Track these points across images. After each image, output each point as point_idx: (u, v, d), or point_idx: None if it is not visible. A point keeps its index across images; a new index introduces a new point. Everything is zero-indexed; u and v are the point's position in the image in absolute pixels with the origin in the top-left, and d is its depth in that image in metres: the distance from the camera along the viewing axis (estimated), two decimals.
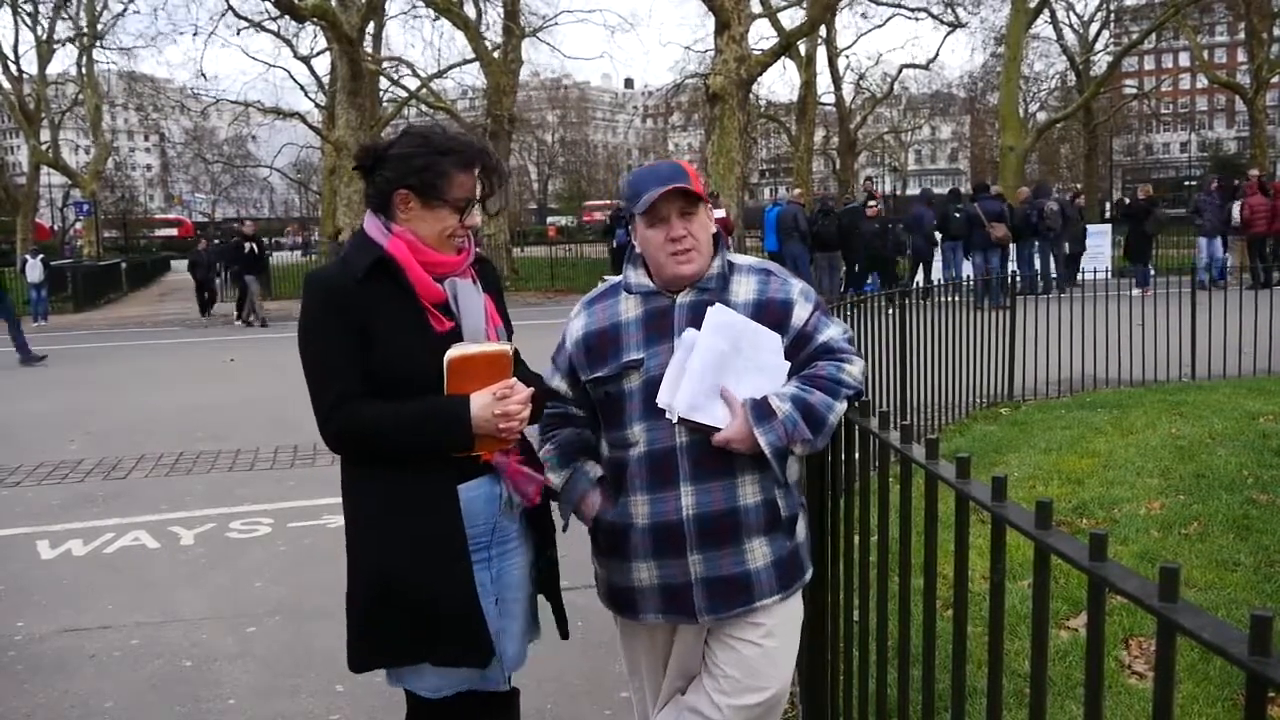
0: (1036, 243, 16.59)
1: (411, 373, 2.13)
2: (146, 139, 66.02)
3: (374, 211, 2.20)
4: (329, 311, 2.13)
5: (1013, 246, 16.22)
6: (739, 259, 2.38)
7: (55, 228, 48.56)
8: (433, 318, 2.16)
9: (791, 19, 28.34)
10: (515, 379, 2.19)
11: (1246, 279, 11.11)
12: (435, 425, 2.11)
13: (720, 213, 15.83)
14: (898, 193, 41.28)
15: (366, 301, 2.11)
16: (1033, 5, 28.07)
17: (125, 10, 34.46)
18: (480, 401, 2.11)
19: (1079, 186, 32.35)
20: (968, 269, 15.74)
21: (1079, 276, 15.12)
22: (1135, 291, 10.15)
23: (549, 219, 56.09)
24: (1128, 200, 19.49)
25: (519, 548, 2.30)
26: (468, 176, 2.17)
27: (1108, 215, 29.36)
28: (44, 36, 32.51)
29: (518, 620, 2.31)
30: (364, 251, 2.16)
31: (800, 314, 2.29)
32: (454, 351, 2.13)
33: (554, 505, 2.37)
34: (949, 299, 7.33)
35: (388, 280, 2.13)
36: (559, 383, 2.39)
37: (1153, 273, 15.14)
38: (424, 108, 30.49)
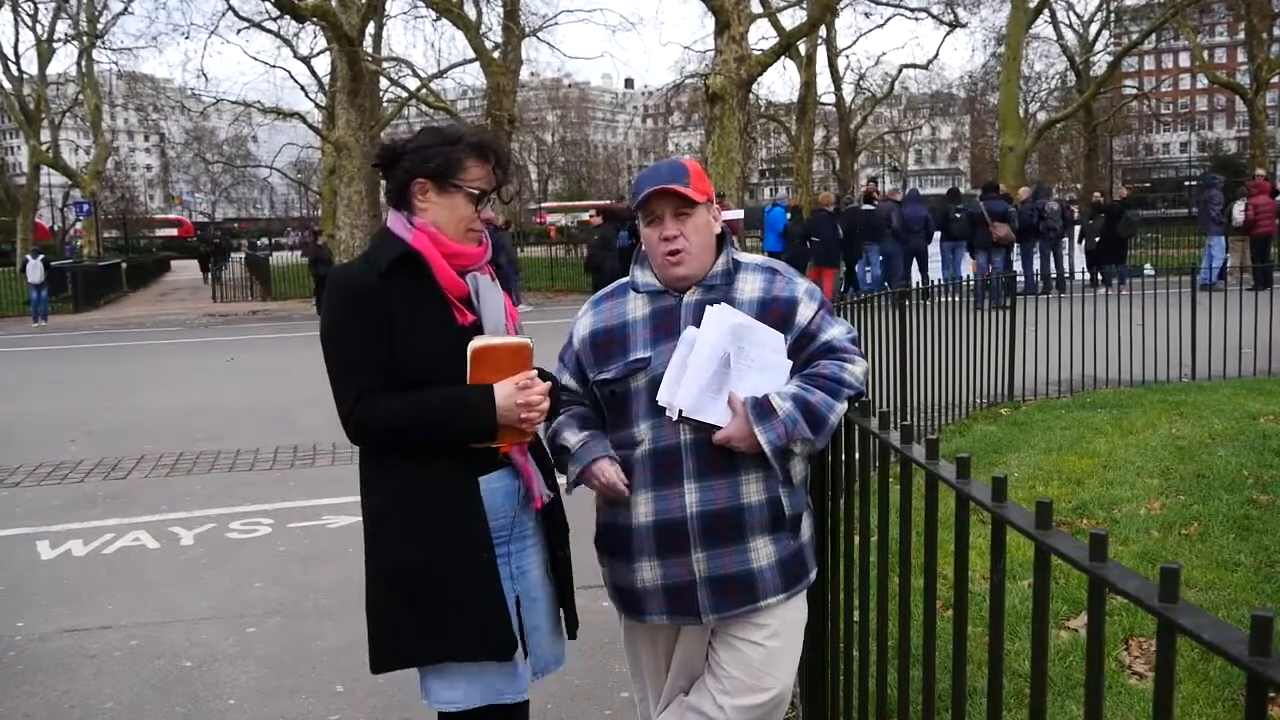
0: (1038, 243, 16.59)
1: (435, 365, 2.15)
2: (146, 139, 66.04)
3: (395, 208, 2.24)
4: (354, 307, 2.15)
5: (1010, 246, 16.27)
6: (745, 257, 2.38)
7: (55, 228, 48.56)
8: (456, 311, 2.19)
9: (791, 19, 28.35)
10: (535, 370, 2.22)
11: (1247, 279, 11.10)
12: (461, 413, 2.13)
13: (739, 213, 15.84)
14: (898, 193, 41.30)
15: (391, 296, 2.14)
16: (1033, 5, 28.08)
17: (125, 10, 34.52)
18: (504, 391, 2.14)
19: (1079, 186, 32.34)
20: (966, 269, 15.74)
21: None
22: (1102, 290, 10.27)
23: (549, 219, 56.33)
24: (1101, 199, 19.47)
25: (536, 545, 2.31)
26: (481, 166, 2.21)
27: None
28: (44, 36, 32.55)
29: (545, 618, 2.31)
30: (389, 247, 2.19)
31: (805, 312, 2.30)
32: (478, 342, 2.16)
33: (563, 489, 2.37)
34: (949, 299, 7.33)
35: (412, 275, 2.16)
36: (567, 380, 2.41)
37: (1153, 272, 15.25)
38: (424, 108, 30.50)
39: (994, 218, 15.70)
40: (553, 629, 2.33)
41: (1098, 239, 17.47)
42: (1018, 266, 15.92)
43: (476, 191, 2.21)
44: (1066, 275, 15.57)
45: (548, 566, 2.32)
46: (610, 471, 2.26)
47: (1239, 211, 16.58)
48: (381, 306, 2.13)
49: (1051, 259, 16.61)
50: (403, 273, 2.16)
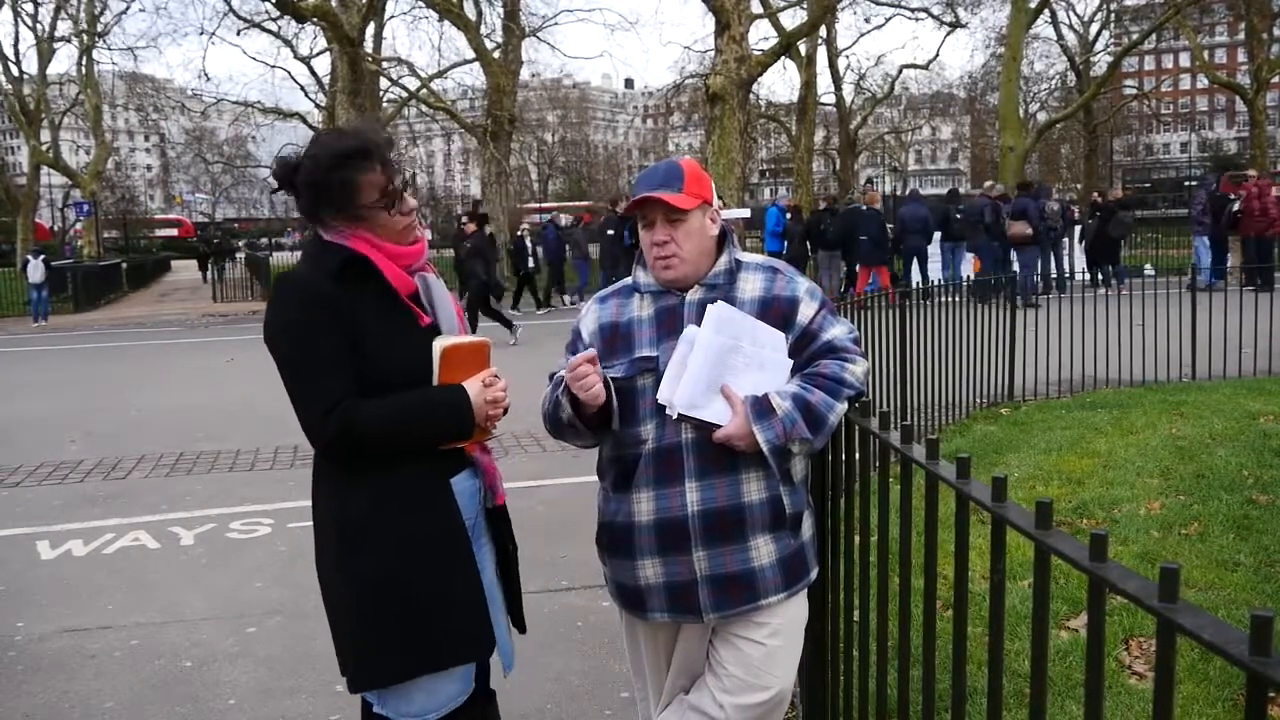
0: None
1: (403, 369, 2.12)
2: (146, 139, 66.10)
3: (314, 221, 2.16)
4: (313, 312, 2.07)
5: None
6: (746, 256, 2.38)
7: (55, 228, 48.53)
8: (416, 312, 2.17)
9: (792, 19, 28.35)
10: (495, 368, 2.23)
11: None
12: (445, 414, 2.12)
13: (745, 212, 15.83)
14: (898, 193, 41.26)
15: (349, 302, 2.08)
16: (1033, 5, 28.06)
17: (126, 10, 34.49)
18: (474, 389, 2.15)
19: (1080, 186, 32.34)
20: (968, 268, 15.73)
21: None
22: (1100, 290, 10.27)
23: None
24: (1099, 199, 19.43)
25: (489, 542, 2.32)
26: (374, 174, 2.10)
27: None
28: (44, 36, 32.53)
29: (502, 614, 2.32)
30: (331, 252, 2.11)
31: (806, 311, 2.30)
32: (445, 342, 2.15)
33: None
34: (949, 299, 7.33)
35: (361, 279, 2.11)
36: None
37: (1153, 272, 15.24)
38: (424, 108, 30.47)
39: (1012, 216, 15.68)
40: (507, 627, 2.35)
41: (1091, 239, 17.47)
42: (1016, 267, 15.91)
43: (384, 199, 2.11)
44: (1066, 275, 15.57)
45: (496, 562, 2.33)
46: (580, 367, 2.19)
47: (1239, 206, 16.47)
48: (345, 311, 2.07)
49: (1052, 259, 16.60)
50: (352, 278, 2.09)
